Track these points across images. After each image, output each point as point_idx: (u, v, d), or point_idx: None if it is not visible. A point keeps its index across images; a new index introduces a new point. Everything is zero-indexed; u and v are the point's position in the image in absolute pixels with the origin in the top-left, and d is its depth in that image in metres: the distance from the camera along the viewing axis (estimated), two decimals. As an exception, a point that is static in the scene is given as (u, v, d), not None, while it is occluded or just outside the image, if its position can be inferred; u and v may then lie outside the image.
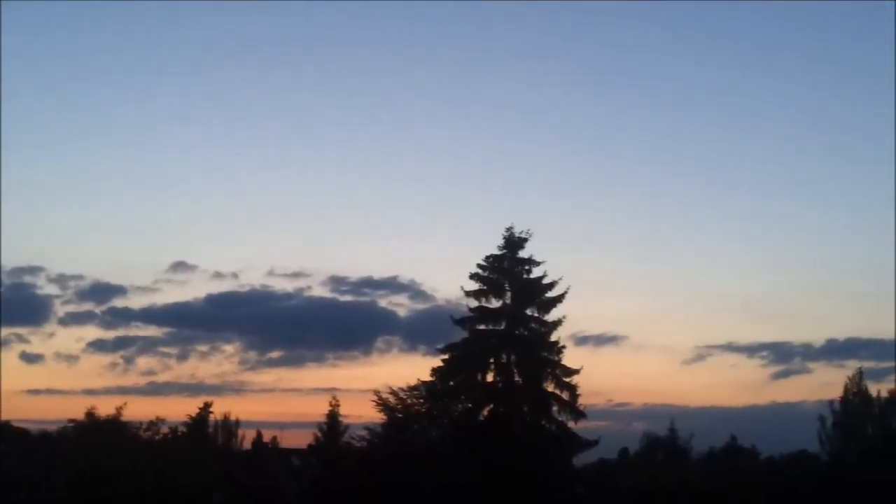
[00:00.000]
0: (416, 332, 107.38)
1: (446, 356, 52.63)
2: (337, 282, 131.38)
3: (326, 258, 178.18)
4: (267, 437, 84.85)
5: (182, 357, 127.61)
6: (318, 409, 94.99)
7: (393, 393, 52.41)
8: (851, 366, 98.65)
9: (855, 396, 73.42)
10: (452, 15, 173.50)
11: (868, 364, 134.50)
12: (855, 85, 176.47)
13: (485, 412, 52.59)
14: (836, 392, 74.96)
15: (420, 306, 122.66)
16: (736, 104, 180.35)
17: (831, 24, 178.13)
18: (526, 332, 52.76)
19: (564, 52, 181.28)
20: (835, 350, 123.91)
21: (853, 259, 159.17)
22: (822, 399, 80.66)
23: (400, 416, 52.41)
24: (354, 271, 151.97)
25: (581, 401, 51.65)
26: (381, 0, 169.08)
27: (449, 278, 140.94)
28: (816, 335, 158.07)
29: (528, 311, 52.73)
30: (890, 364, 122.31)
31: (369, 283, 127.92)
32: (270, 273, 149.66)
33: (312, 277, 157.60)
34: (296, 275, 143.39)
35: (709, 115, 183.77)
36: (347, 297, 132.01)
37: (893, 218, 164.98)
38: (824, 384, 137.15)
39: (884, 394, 73.37)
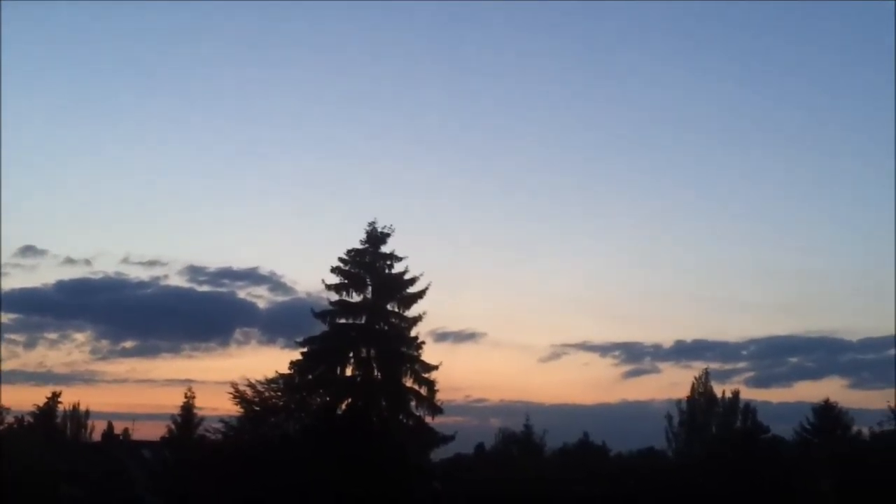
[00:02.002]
0: (275, 325, 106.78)
1: (306, 349, 52.25)
2: (195, 271, 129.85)
3: (184, 247, 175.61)
4: (119, 428, 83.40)
5: (29, 345, 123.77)
6: (172, 401, 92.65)
7: (250, 385, 52.12)
8: (698, 366, 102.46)
9: (701, 396, 76.61)
10: (311, 12, 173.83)
11: (714, 365, 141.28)
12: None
13: (343, 406, 52.44)
14: (683, 392, 78.19)
15: (280, 298, 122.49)
16: (606, 100, 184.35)
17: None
18: (386, 327, 52.80)
19: (421, 49, 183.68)
20: (683, 351, 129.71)
21: (701, 263, 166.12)
22: (670, 398, 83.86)
23: (257, 408, 52.01)
24: (213, 261, 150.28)
25: (439, 396, 51.84)
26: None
27: (310, 271, 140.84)
28: (666, 336, 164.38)
29: (389, 307, 52.77)
30: (734, 365, 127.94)
31: (228, 274, 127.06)
32: (125, 261, 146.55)
33: (169, 266, 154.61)
34: (152, 263, 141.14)
35: (569, 112, 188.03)
36: (205, 288, 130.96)
37: (741, 225, 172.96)
38: (672, 384, 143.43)
39: (728, 394, 76.79)
